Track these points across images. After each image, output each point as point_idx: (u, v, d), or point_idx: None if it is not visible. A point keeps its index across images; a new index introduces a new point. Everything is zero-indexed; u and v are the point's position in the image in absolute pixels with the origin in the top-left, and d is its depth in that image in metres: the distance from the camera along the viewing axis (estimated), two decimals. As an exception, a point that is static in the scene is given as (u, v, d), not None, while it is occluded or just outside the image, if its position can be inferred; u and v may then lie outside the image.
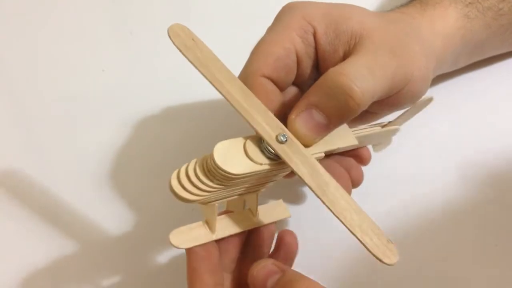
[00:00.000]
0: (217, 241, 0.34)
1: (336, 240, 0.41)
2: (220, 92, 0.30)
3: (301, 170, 0.29)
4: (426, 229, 0.42)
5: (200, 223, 0.33)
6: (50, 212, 0.43)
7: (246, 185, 0.31)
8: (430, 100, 0.39)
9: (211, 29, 0.53)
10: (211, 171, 0.29)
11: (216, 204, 0.32)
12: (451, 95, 0.48)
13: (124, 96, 0.49)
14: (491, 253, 0.41)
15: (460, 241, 0.42)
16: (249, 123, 0.30)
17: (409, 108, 0.38)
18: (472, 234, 0.42)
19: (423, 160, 0.45)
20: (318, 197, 0.29)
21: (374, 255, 0.27)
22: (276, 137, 0.29)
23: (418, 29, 0.37)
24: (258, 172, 0.30)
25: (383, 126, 0.40)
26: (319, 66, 0.35)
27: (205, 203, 0.31)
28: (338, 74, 0.30)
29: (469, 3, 0.40)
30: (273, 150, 0.30)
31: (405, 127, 0.41)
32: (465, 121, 0.47)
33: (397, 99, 0.34)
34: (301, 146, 0.30)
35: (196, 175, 0.29)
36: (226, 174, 0.28)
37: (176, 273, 0.41)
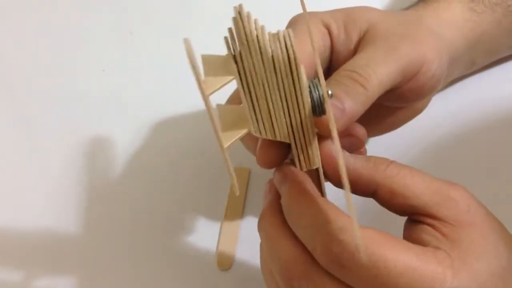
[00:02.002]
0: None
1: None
2: None
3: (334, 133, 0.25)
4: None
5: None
6: (51, 211, 0.44)
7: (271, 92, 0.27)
8: None
9: (211, 29, 0.53)
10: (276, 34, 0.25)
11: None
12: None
13: (124, 96, 0.49)
14: None
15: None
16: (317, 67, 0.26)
17: None
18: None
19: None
20: None
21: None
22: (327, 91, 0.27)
23: (423, 18, 0.38)
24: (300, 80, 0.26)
25: None
26: (331, 70, 0.36)
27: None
28: (349, 70, 0.31)
29: None
30: (320, 97, 0.26)
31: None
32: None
33: (416, 82, 0.34)
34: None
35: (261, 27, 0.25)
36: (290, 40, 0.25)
37: (175, 273, 0.41)
